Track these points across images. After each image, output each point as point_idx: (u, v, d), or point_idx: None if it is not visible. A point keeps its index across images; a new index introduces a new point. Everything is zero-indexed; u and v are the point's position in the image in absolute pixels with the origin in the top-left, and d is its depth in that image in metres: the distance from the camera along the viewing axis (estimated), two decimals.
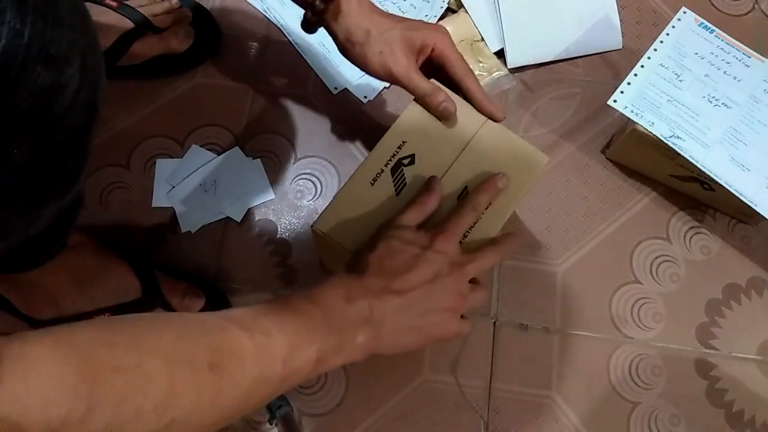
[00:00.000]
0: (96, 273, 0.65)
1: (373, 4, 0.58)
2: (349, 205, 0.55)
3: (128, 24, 0.73)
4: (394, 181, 0.55)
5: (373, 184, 0.55)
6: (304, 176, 0.75)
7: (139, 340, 0.35)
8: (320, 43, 0.81)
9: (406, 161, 0.56)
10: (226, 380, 0.37)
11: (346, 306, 0.45)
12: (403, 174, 0.56)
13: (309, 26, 0.58)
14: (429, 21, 0.81)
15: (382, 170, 0.56)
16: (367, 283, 0.47)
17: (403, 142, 0.57)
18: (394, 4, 0.83)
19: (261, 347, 0.40)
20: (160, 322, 0.39)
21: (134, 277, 0.66)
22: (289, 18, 0.83)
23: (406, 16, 0.82)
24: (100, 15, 0.72)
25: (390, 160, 0.56)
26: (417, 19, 0.61)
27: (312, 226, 0.54)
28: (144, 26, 0.74)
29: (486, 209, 0.54)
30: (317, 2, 0.55)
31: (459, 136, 0.57)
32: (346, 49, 0.58)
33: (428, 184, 0.54)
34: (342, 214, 0.54)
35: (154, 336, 0.36)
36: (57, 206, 0.43)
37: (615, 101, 0.68)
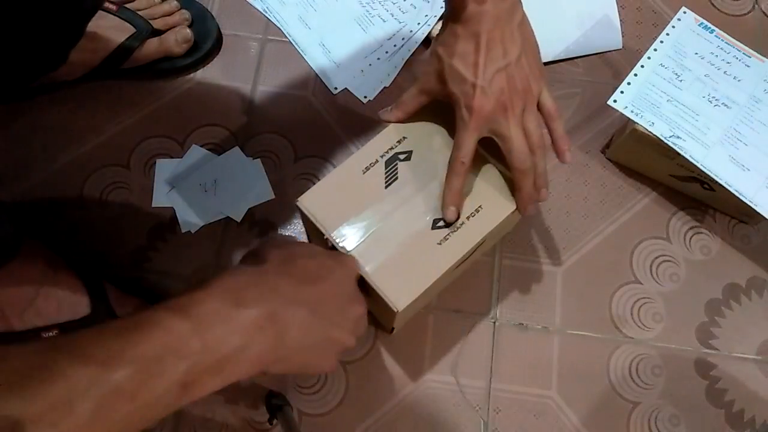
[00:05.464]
0: (41, 284, 0.60)
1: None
2: (336, 187, 0.55)
3: (128, 28, 0.73)
4: (386, 173, 0.55)
5: (364, 173, 0.55)
6: (304, 176, 0.75)
7: None
8: (320, 43, 0.81)
9: (402, 156, 0.56)
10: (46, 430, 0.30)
11: (234, 313, 0.38)
12: (397, 168, 0.56)
13: None
14: (429, 21, 0.82)
15: (377, 160, 0.56)
16: (272, 283, 0.41)
17: (404, 137, 0.57)
18: (394, 3, 0.83)
19: (96, 381, 0.32)
20: None
21: (83, 292, 0.62)
22: (289, 18, 0.83)
23: (406, 15, 0.82)
24: (100, 19, 0.72)
25: (387, 152, 0.56)
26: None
27: (296, 201, 0.54)
28: (144, 30, 0.74)
29: (462, 223, 0.54)
30: None
31: None
32: (454, 21, 0.52)
33: None
34: (327, 195, 0.54)
35: None
36: None
37: (615, 101, 0.68)
